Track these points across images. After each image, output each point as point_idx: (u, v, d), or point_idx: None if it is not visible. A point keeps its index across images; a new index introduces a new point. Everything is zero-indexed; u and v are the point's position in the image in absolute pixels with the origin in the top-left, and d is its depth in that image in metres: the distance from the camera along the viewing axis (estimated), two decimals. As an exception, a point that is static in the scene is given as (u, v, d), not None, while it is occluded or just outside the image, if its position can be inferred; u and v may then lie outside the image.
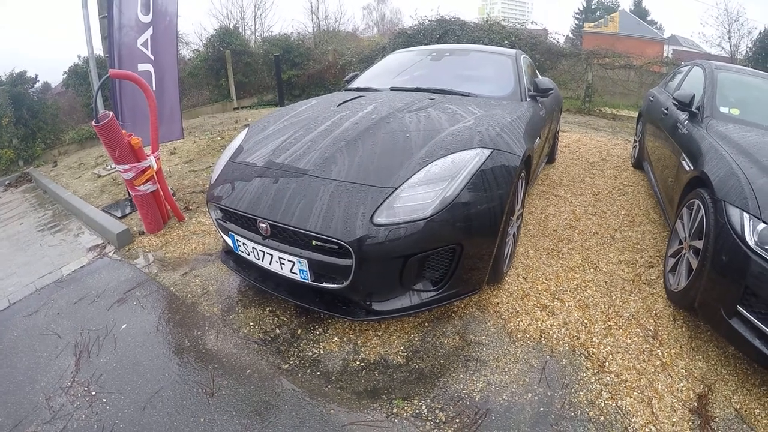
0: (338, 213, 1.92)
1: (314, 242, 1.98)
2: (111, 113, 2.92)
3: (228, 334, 2.26)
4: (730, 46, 23.93)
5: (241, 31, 16.35)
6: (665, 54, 22.94)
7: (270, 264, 2.13)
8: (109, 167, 5.18)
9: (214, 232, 3.32)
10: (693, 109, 3.02)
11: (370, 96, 3.13)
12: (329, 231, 1.88)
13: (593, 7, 43.89)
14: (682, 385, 1.98)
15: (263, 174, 2.24)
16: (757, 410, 1.88)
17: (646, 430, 1.76)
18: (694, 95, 3.08)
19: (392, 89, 3.34)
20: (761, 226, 1.87)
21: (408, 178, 2.01)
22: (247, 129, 2.86)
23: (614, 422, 1.78)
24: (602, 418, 1.80)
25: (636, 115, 6.82)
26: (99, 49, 3.98)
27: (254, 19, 27.26)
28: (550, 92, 3.29)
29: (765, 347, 1.81)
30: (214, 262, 2.92)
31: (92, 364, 2.12)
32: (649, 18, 40.29)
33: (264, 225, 2.06)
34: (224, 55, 10.33)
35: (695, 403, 1.89)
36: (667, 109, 3.68)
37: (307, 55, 11.31)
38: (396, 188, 1.97)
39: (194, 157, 5.53)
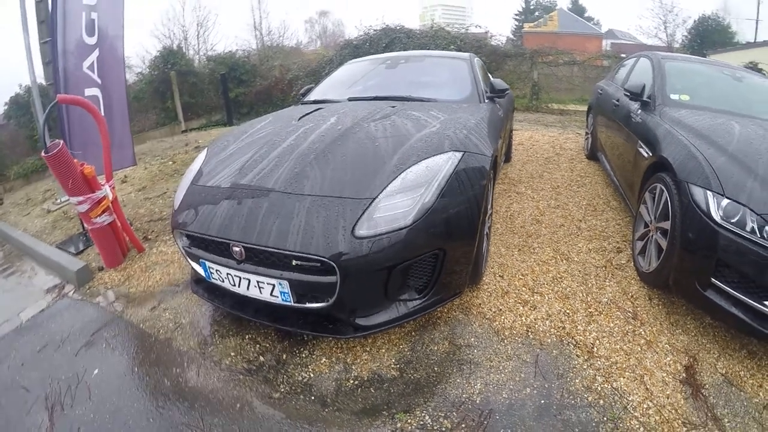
0: (317, 229, 1.86)
1: (294, 262, 1.91)
2: (61, 142, 2.73)
3: (210, 368, 2.13)
4: (667, 36, 25.71)
5: (184, 50, 15.90)
6: (604, 48, 24.25)
7: (248, 289, 2.02)
8: (58, 200, 4.84)
9: (179, 261, 3.15)
10: (645, 99, 3.19)
11: (330, 108, 3.09)
12: (310, 249, 1.82)
13: (532, 7, 45.71)
14: (668, 359, 2.06)
15: (231, 195, 2.13)
16: (742, 372, 1.99)
17: (644, 406, 1.81)
18: (644, 85, 3.25)
19: (351, 99, 3.31)
20: (725, 201, 1.98)
21: (384, 187, 1.98)
22: (206, 150, 2.73)
23: (613, 403, 1.82)
24: (601, 401, 1.83)
25: (583, 108, 7.14)
26: (41, 77, 3.73)
27: (197, 38, 26.86)
28: (506, 92, 3.38)
29: (742, 313, 1.92)
30: (182, 293, 2.75)
31: (68, 417, 1.92)
32: (586, 14, 42.13)
33: (238, 249, 1.95)
34: (169, 76, 9.99)
35: (684, 375, 1.97)
36: (618, 101, 3.86)
37: (254, 72, 11.16)
38: (374, 198, 1.93)
39: (147, 184, 5.28)
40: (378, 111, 2.80)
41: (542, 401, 1.85)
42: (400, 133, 2.44)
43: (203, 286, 2.35)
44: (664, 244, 2.35)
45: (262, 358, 2.17)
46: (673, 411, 1.80)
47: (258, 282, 1.96)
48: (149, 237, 3.60)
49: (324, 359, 2.13)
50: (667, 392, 1.88)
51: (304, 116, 2.91)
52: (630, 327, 2.28)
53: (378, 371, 2.05)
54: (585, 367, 2.02)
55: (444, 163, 2.12)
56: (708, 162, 2.16)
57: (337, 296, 1.87)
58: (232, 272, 2.02)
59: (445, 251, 2.03)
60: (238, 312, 2.19)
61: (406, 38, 8.56)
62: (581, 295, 2.56)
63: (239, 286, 2.04)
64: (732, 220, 1.94)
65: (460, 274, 2.22)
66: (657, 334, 2.22)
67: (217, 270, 2.09)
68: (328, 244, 1.81)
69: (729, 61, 14.83)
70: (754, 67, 9.19)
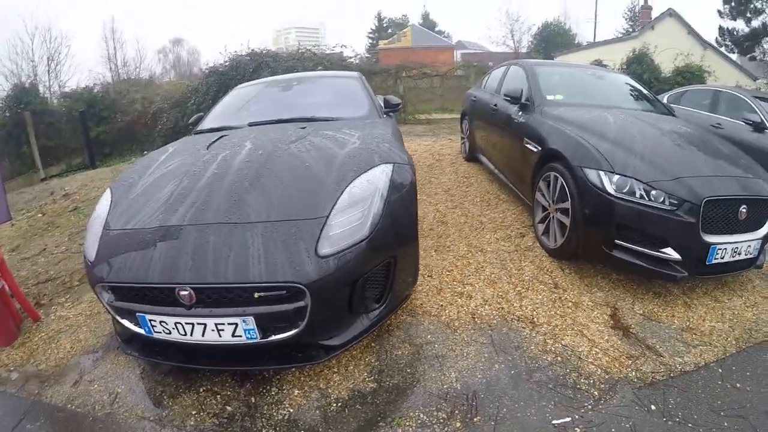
0: (279, 255, 1.78)
1: (257, 294, 1.78)
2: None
3: (174, 435, 1.88)
4: (514, 43, 29.29)
5: (38, 88, 13.70)
6: (455, 58, 26.74)
7: (203, 335, 1.81)
8: None
9: (87, 323, 2.63)
10: (524, 101, 3.71)
11: (236, 134, 2.94)
12: (277, 276, 1.74)
13: (384, 25, 48.42)
14: (595, 313, 2.46)
15: (166, 235, 1.91)
16: (655, 309, 2.50)
17: (593, 352, 2.16)
18: (522, 89, 3.77)
19: (252, 125, 3.18)
20: (615, 177, 2.46)
21: (334, 205, 1.98)
22: (108, 191, 2.38)
23: (569, 357, 2.13)
24: (559, 359, 2.12)
25: (447, 116, 7.87)
26: None
27: (48, 74, 23.64)
28: (399, 107, 3.62)
29: (645, 263, 2.42)
30: (106, 359, 2.32)
31: None
32: (437, 29, 44.47)
33: (186, 292, 1.73)
34: (24, 117, 8.50)
35: (612, 322, 2.39)
36: (496, 105, 4.40)
37: (114, 107, 10.09)
38: (327, 216, 1.93)
39: (20, 243, 4.35)
40: (291, 133, 2.75)
41: (512, 372, 2.06)
42: (325, 152, 2.45)
43: (138, 344, 2.05)
44: (566, 221, 2.77)
45: (229, 408, 1.96)
46: (615, 350, 2.17)
47: (216, 324, 1.78)
48: (41, 302, 2.96)
49: (296, 391, 2.02)
50: (605, 338, 2.25)
51: (212, 144, 2.73)
52: (556, 295, 2.63)
53: (356, 388, 2.02)
54: (533, 335, 2.29)
55: (381, 175, 2.20)
56: (595, 148, 2.65)
57: (308, 320, 1.80)
58: (182, 320, 1.79)
59: (395, 257, 2.11)
60: (189, 364, 1.97)
61: (273, 62, 8.54)
62: (505, 278, 2.86)
63: (192, 334, 1.82)
64: (624, 191, 2.43)
65: (408, 277, 2.32)
66: (579, 296, 2.62)
67: (161, 321, 1.83)
68: (296, 269, 1.75)
69: (574, 60, 17.55)
70: (599, 64, 11.14)
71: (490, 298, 2.64)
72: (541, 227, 3.20)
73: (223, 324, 1.77)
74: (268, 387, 2.05)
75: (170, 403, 2.01)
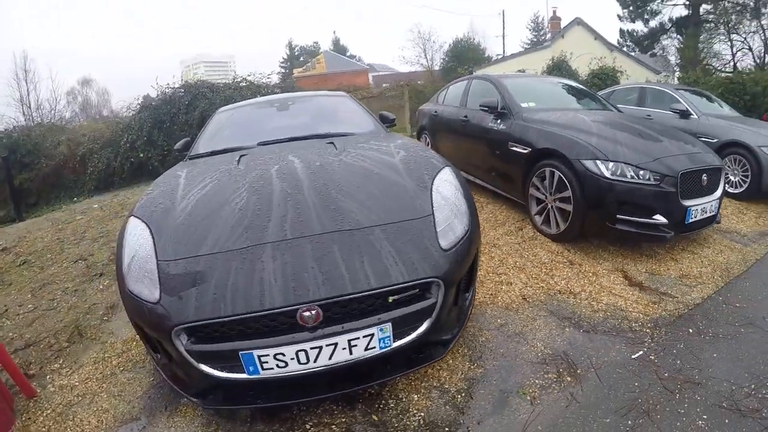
0: (413, 254, 1.78)
1: (391, 299, 1.74)
2: None
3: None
4: (427, 61, 30.58)
5: None
6: (370, 81, 27.28)
7: (330, 357, 1.66)
8: None
9: (103, 388, 2.26)
10: (500, 110, 4.20)
11: (258, 152, 2.80)
12: (419, 274, 1.73)
13: (296, 53, 48.16)
14: (612, 278, 3.03)
15: (269, 253, 1.76)
16: (654, 266, 3.14)
17: (628, 304, 2.70)
18: (497, 100, 4.25)
19: (262, 144, 3.05)
20: (610, 164, 3.03)
21: (432, 203, 2.04)
22: (137, 222, 2.05)
23: (614, 311, 2.63)
24: (608, 314, 2.61)
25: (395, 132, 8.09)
26: None
27: None
28: (395, 122, 3.88)
29: (642, 230, 3.04)
30: (156, 423, 2.00)
31: None
32: (348, 53, 46.39)
33: (312, 312, 1.60)
34: None
35: (627, 282, 2.98)
36: (466, 117, 4.86)
37: (37, 152, 8.80)
38: (432, 214, 1.98)
39: None
40: (325, 147, 2.73)
41: (581, 330, 2.42)
42: (379, 160, 2.48)
43: (221, 394, 1.81)
44: (567, 208, 3.29)
45: None
46: (643, 300, 2.71)
47: (350, 341, 1.66)
48: (29, 372, 2.47)
49: (415, 396, 2.03)
50: (630, 293, 2.77)
51: (240, 161, 2.60)
52: (576, 270, 3.11)
53: (468, 376, 2.13)
54: (579, 301, 2.70)
55: (450, 176, 2.34)
56: (587, 142, 3.21)
57: (436, 317, 1.80)
58: (306, 345, 1.62)
59: (478, 248, 2.21)
60: (298, 399, 1.77)
61: (210, 92, 8.26)
62: (529, 264, 3.23)
63: (317, 360, 1.65)
64: (618, 174, 3.00)
65: (478, 268, 2.38)
66: (594, 267, 3.12)
67: (276, 354, 1.62)
68: (432, 264, 1.77)
69: (494, 72, 18.93)
70: (522, 72, 12.17)
71: (527, 281, 2.98)
72: (539, 218, 3.70)
73: (358, 338, 1.66)
74: (383, 401, 2.01)
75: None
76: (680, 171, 3.03)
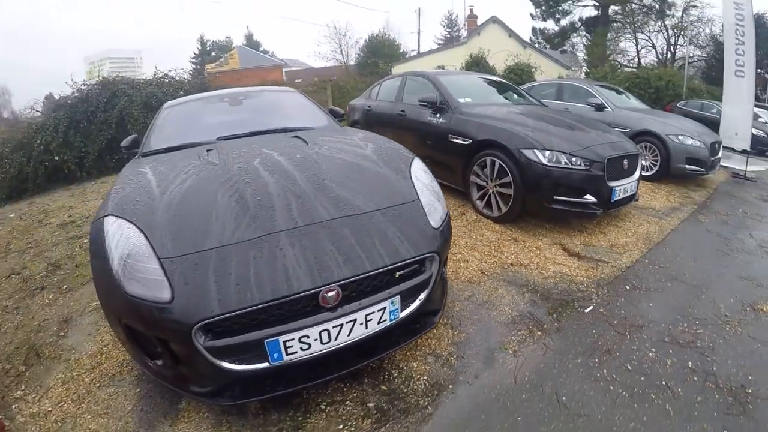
0: (413, 233, 1.95)
1: (398, 274, 1.88)
2: None
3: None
4: (343, 56, 30.28)
5: None
6: (284, 76, 26.51)
7: (349, 333, 1.74)
8: None
9: (85, 408, 2.02)
10: (440, 105, 4.47)
11: (224, 147, 2.69)
12: (422, 249, 1.90)
13: (208, 48, 45.30)
14: (553, 250, 3.43)
15: (284, 240, 1.77)
16: (587, 239, 3.59)
17: (571, 270, 3.07)
18: (436, 96, 4.51)
19: (222, 139, 2.94)
20: (546, 152, 3.42)
21: (414, 189, 2.20)
22: (121, 223, 1.86)
23: (562, 277, 2.98)
24: (557, 280, 2.96)
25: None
26: None
27: None
28: (343, 117, 4.02)
29: (575, 208, 3.50)
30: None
31: None
32: (262, 48, 44.12)
33: (333, 292, 1.68)
34: None
35: (567, 253, 3.36)
36: (403, 111, 5.08)
37: None
38: (418, 198, 2.15)
39: None
40: (292, 141, 2.75)
41: (538, 295, 2.74)
42: (352, 152, 2.58)
43: (238, 388, 1.77)
44: (508, 192, 3.65)
45: (371, 404, 1.92)
46: (582, 267, 3.14)
47: (366, 316, 1.76)
48: None
49: (414, 363, 2.15)
50: (571, 262, 3.19)
51: (209, 156, 2.52)
52: (520, 246, 3.45)
53: (454, 341, 2.31)
54: (530, 272, 3.04)
55: (422, 164, 2.53)
56: (524, 134, 3.60)
57: (431, 288, 1.97)
58: (329, 325, 1.69)
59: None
60: (318, 379, 1.80)
61: (131, 89, 7.59)
62: (479, 243, 3.50)
63: (338, 337, 1.73)
64: (554, 161, 3.41)
65: None
66: (535, 242, 3.50)
67: (301, 337, 1.67)
68: (429, 241, 1.96)
69: (407, 69, 19.54)
70: (442, 68, 12.50)
71: (481, 257, 3.26)
72: (480, 203, 4.02)
73: (373, 312, 1.77)
74: (386, 373, 2.10)
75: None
76: (606, 157, 3.54)
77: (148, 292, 1.64)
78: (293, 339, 1.66)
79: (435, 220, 2.10)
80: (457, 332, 2.39)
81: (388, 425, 1.80)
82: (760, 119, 10.34)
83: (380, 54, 24.54)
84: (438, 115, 4.48)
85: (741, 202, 5.06)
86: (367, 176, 2.29)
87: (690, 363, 2.12)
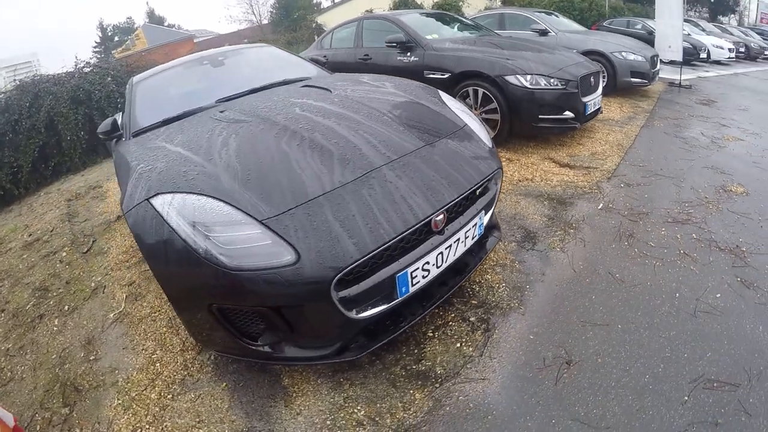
0: (482, 154, 2.06)
1: (477, 191, 1.97)
2: None
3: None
4: (256, 16, 28.31)
5: None
6: (197, 48, 24.62)
7: (455, 253, 1.80)
8: None
9: (163, 428, 1.77)
10: (408, 44, 4.47)
11: (246, 104, 2.54)
12: (493, 166, 2.02)
13: (110, 34, 41.06)
14: (546, 164, 3.71)
15: (387, 175, 1.74)
16: (570, 151, 3.92)
17: (570, 178, 3.38)
18: (403, 36, 4.49)
19: (222, 100, 2.75)
20: (528, 76, 3.64)
21: (458, 116, 2.28)
22: (180, 198, 1.63)
23: (566, 185, 3.25)
24: (563, 187, 3.22)
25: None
26: None
27: None
28: (324, 65, 3.93)
29: (557, 124, 3.79)
30: (278, 418, 1.69)
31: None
32: (167, 23, 41.73)
33: (441, 215, 1.70)
34: None
35: (558, 165, 3.66)
36: (367, 55, 5.04)
37: None
38: (465, 124, 2.23)
39: None
40: (310, 90, 2.69)
41: (555, 202, 3.00)
42: (378, 90, 2.58)
43: (363, 338, 1.72)
44: (493, 118, 3.85)
45: (473, 318, 2.10)
46: (578, 174, 3.51)
47: (465, 233, 1.83)
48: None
49: (488, 276, 2.29)
50: (567, 172, 3.53)
51: (237, 114, 2.36)
52: (517, 164, 3.70)
53: (507, 250, 2.47)
54: (537, 184, 3.32)
55: (445, 93, 2.60)
56: (504, 61, 3.76)
57: (496, 201, 2.13)
58: (441, 247, 1.72)
59: None
60: (429, 307, 1.81)
61: (54, 86, 6.69)
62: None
63: (447, 258, 1.77)
64: (534, 84, 3.62)
65: None
66: (528, 160, 3.78)
67: (423, 265, 1.68)
68: (493, 159, 2.09)
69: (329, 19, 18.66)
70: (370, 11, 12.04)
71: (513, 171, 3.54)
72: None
73: (469, 229, 1.85)
74: (469, 289, 2.22)
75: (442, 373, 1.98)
76: (579, 76, 3.83)
77: (261, 260, 1.47)
78: (417, 268, 1.66)
79: (486, 140, 2.21)
80: (507, 243, 2.59)
81: (496, 330, 1.94)
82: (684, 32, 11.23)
83: (293, 8, 23.19)
84: (409, 54, 4.50)
85: (684, 107, 5.69)
86: (414, 110, 2.31)
87: (694, 235, 2.54)
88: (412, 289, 1.67)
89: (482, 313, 2.04)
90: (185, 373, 1.98)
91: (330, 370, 1.84)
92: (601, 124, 4.78)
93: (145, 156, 2.07)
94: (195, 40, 26.55)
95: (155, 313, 2.43)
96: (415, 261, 1.64)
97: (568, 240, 2.55)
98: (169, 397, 1.87)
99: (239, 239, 1.50)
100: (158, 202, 1.63)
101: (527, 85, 3.62)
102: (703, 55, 10.24)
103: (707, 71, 9.36)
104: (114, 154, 2.68)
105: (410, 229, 1.59)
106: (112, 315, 2.49)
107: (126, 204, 1.75)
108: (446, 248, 1.74)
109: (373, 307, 1.61)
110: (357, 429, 1.59)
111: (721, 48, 10.83)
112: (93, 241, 3.49)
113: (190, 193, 1.63)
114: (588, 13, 13.27)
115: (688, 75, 7.89)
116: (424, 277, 1.70)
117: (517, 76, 3.65)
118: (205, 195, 1.62)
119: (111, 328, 2.40)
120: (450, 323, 2.02)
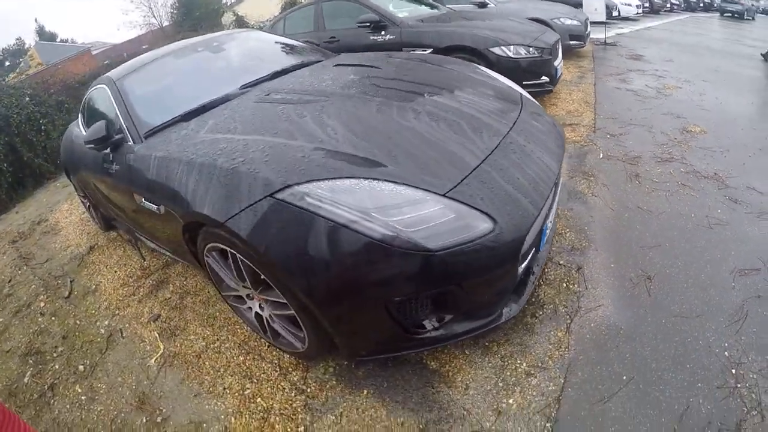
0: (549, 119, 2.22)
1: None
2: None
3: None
4: (157, 18, 26.29)
5: None
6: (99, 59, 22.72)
7: (556, 200, 2.00)
8: None
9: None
10: (381, 24, 4.61)
11: (283, 88, 2.40)
12: (558, 125, 2.21)
13: (0, 59, 37.28)
14: None
15: (517, 140, 1.82)
16: (553, 110, 4.28)
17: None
18: (375, 15, 4.63)
19: (245, 86, 2.56)
20: (511, 47, 3.98)
21: (510, 86, 2.46)
22: (331, 185, 1.45)
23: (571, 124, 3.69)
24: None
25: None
26: None
27: None
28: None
29: (537, 88, 4.17)
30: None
31: None
32: (60, 39, 39.19)
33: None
34: None
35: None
36: (334, 37, 5.12)
37: None
38: (521, 93, 2.38)
39: None
40: (352, 68, 2.71)
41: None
42: (421, 65, 2.73)
43: (515, 295, 1.74)
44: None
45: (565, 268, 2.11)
46: (567, 131, 3.90)
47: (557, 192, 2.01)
48: None
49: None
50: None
51: (305, 94, 2.25)
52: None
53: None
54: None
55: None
56: (486, 34, 4.07)
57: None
58: (553, 204, 1.89)
59: None
60: (543, 263, 1.97)
61: None
62: None
63: (549, 217, 1.86)
64: (516, 53, 3.99)
65: None
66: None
67: (551, 220, 1.93)
68: (553, 120, 2.26)
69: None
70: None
71: None
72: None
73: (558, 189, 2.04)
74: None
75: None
76: (551, 43, 4.24)
77: (455, 234, 1.38)
78: (548, 223, 1.83)
79: (539, 106, 2.37)
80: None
81: (585, 267, 2.22)
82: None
83: (195, 5, 21.99)
84: (383, 33, 4.65)
85: (619, 62, 6.42)
86: (479, 82, 2.41)
87: (681, 169, 3.11)
88: (545, 238, 1.85)
89: (566, 255, 2.34)
90: (303, 396, 1.76)
91: (471, 340, 1.82)
92: (561, 86, 5.31)
93: (208, 152, 1.77)
94: (93, 52, 25.14)
95: (215, 343, 2.12)
96: (548, 217, 1.79)
97: (594, 186, 2.96)
98: (301, 429, 1.64)
99: (424, 218, 1.38)
100: (294, 195, 1.42)
101: (511, 55, 3.98)
102: (615, 14, 11.39)
103: (621, 28, 10.55)
104: (118, 166, 2.28)
105: (554, 184, 1.73)
106: (153, 361, 2.13)
107: (224, 210, 1.52)
108: (554, 207, 1.93)
109: (523, 260, 1.61)
110: (530, 379, 1.69)
111: (629, 5, 12.12)
112: (71, 281, 3.01)
113: (335, 178, 1.46)
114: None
115: (608, 33, 8.81)
116: (546, 234, 1.84)
117: (502, 47, 4.00)
118: (357, 177, 1.46)
119: (161, 377, 2.03)
120: (545, 270, 2.25)
